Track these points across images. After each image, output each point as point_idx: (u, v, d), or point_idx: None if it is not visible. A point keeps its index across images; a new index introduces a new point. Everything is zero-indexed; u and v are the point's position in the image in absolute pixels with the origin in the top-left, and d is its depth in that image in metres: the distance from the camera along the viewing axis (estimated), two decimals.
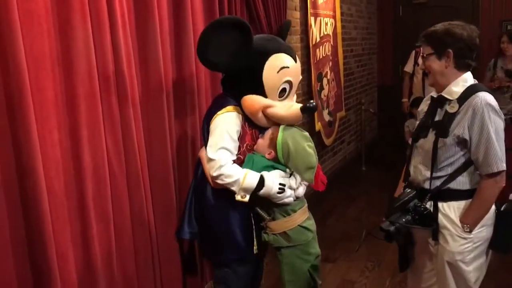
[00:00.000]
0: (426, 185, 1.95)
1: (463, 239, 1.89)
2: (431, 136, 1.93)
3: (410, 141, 4.34)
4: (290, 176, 2.01)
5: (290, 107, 1.98)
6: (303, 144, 1.96)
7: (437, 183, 1.92)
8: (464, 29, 1.87)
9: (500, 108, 4.46)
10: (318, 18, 4.26)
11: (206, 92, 2.56)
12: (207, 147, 1.94)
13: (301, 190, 2.06)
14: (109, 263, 1.95)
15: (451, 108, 1.87)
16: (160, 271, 2.26)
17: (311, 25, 4.10)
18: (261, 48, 1.96)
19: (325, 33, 4.46)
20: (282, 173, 1.99)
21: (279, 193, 1.94)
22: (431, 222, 1.91)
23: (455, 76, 1.89)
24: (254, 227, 2.06)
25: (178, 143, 2.37)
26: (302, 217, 2.07)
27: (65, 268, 1.71)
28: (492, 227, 1.93)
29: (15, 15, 1.46)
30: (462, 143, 1.86)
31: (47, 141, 1.64)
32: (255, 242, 2.06)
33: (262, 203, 2.02)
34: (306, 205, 2.12)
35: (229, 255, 2.05)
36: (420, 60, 4.79)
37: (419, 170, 1.98)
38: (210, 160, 1.91)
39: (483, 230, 1.90)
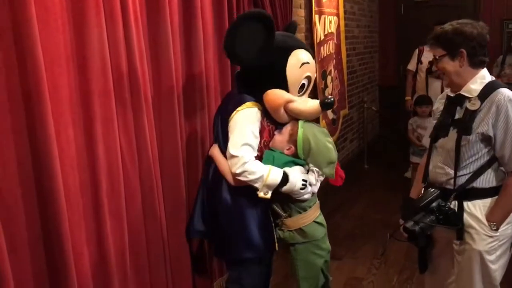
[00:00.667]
0: (450, 185, 1.93)
1: (489, 238, 1.88)
2: (453, 134, 1.92)
3: (414, 139, 4.38)
4: (307, 172, 2.02)
5: (309, 102, 2.01)
6: (323, 139, 1.98)
7: (461, 181, 1.91)
8: (474, 27, 1.86)
9: None
10: (323, 16, 4.26)
11: (215, 90, 2.56)
12: (229, 144, 1.92)
13: (317, 186, 2.07)
14: (123, 259, 1.94)
15: (472, 106, 1.86)
16: (171, 267, 2.26)
17: (315, 23, 4.11)
18: (282, 44, 1.98)
19: (329, 31, 4.47)
20: (302, 168, 2.00)
21: (301, 189, 1.95)
22: (456, 221, 1.89)
23: (471, 74, 1.88)
24: (272, 224, 2.06)
25: (188, 141, 2.37)
26: (316, 212, 2.10)
27: (81, 265, 1.71)
28: None
29: (32, 11, 1.46)
30: (486, 140, 1.85)
31: (62, 137, 1.63)
32: (276, 239, 2.06)
33: (278, 200, 2.02)
34: (318, 200, 2.14)
35: (246, 254, 2.03)
36: (423, 59, 4.83)
37: (442, 169, 1.96)
38: (233, 156, 1.89)
39: (509, 227, 1.90)
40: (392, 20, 6.66)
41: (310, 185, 2.01)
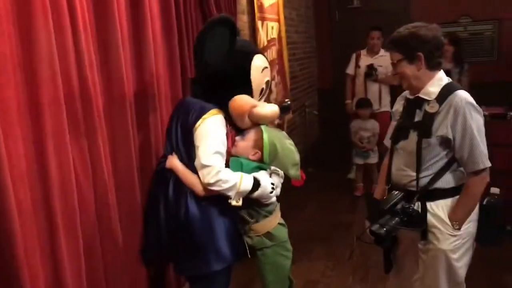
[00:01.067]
0: (412, 186, 1.96)
1: (453, 237, 1.93)
2: (413, 137, 1.94)
3: (356, 141, 4.50)
4: (270, 176, 2.02)
5: (268, 106, 2.02)
6: (286, 142, 2.01)
7: (423, 183, 1.94)
8: (429, 30, 1.91)
9: None
10: (265, 22, 4.29)
11: (166, 98, 2.49)
12: (200, 153, 1.86)
13: (279, 188, 2.08)
14: (79, 280, 1.81)
15: (431, 108, 1.90)
16: (129, 285, 2.15)
17: (258, 29, 4.12)
18: (244, 48, 2.00)
19: (272, 36, 4.50)
20: (267, 173, 1.98)
21: (270, 192, 1.94)
22: (420, 223, 1.93)
23: (429, 76, 1.93)
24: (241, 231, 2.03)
25: (141, 152, 2.27)
26: (279, 213, 2.11)
27: None
28: (477, 221, 1.99)
29: None
30: (446, 142, 1.90)
31: (11, 152, 1.50)
32: (247, 247, 2.03)
33: (244, 206, 1.99)
34: (278, 202, 2.15)
35: (215, 267, 1.96)
36: (361, 63, 4.98)
37: (404, 171, 2.00)
38: (204, 166, 1.84)
39: (470, 226, 1.96)
40: (327, 25, 6.84)
41: (276, 187, 2.01)
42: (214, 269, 1.96)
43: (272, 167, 2.06)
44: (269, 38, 4.41)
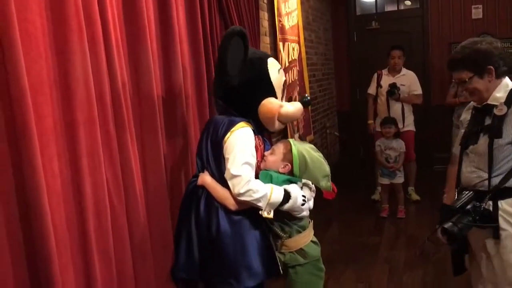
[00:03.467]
0: (483, 187, 2.01)
1: None
2: (484, 140, 2.01)
3: (383, 161, 4.44)
4: (301, 189, 2.00)
5: (292, 104, 2.08)
6: (315, 154, 2.01)
7: (495, 182, 1.98)
8: (488, 43, 2.02)
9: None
10: (286, 43, 4.31)
11: (194, 117, 2.49)
12: (229, 165, 1.86)
13: (312, 201, 2.06)
14: None
15: (499, 111, 1.98)
16: None
17: (280, 50, 4.14)
18: (256, 54, 2.08)
19: (293, 57, 4.52)
20: (298, 186, 1.96)
21: (302, 205, 1.92)
22: (492, 220, 1.96)
23: (496, 84, 2.02)
24: (273, 247, 1.99)
25: (172, 172, 2.26)
26: (312, 231, 2.08)
27: None
28: None
29: (16, 35, 1.34)
30: None
31: (47, 171, 1.49)
32: (279, 263, 1.98)
33: (276, 221, 1.97)
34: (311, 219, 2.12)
35: (248, 283, 1.92)
36: (382, 82, 4.95)
37: (475, 173, 2.04)
38: (234, 176, 1.84)
39: None
40: (345, 47, 6.86)
41: (308, 200, 1.99)
42: (246, 285, 1.93)
43: (303, 180, 2.04)
44: (290, 59, 4.42)
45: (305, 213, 1.99)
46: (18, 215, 1.41)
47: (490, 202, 1.99)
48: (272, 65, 2.05)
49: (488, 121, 2.02)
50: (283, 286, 2.12)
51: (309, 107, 5.00)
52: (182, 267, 2.05)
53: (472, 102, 2.14)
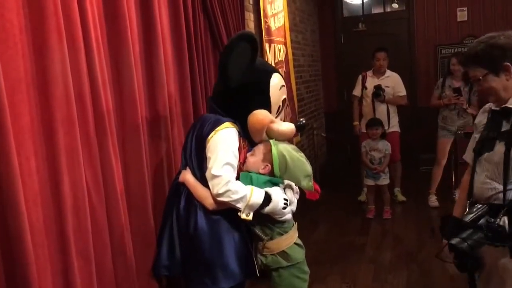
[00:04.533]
0: (498, 200, 1.81)
1: None
2: (500, 147, 1.82)
3: (367, 162, 4.45)
4: (284, 190, 1.99)
5: (285, 124, 2.05)
6: (296, 154, 1.99)
7: (511, 196, 1.79)
8: (507, 37, 1.81)
9: (450, 124, 4.64)
10: (272, 45, 4.32)
11: (177, 117, 2.48)
12: (210, 164, 1.86)
13: (295, 204, 2.04)
14: None
15: None
16: None
17: (266, 52, 4.14)
18: (264, 67, 2.07)
19: (279, 59, 4.52)
20: (280, 188, 1.95)
21: (283, 208, 1.91)
22: (507, 239, 1.73)
23: None
24: (251, 248, 1.99)
25: (154, 172, 2.25)
26: (296, 234, 2.06)
27: None
28: None
29: None
30: None
31: (24, 170, 1.47)
32: (256, 265, 1.98)
33: (258, 223, 1.96)
34: (295, 222, 2.10)
35: (223, 284, 1.93)
36: (367, 84, 4.97)
37: (489, 184, 1.85)
38: (214, 177, 1.83)
39: None
40: (332, 49, 6.89)
41: (290, 203, 1.98)
42: (221, 286, 1.93)
43: (286, 182, 2.03)
44: (276, 61, 4.43)
45: (287, 216, 1.98)
46: None
47: (505, 218, 1.76)
48: (276, 80, 2.02)
49: (506, 126, 1.82)
50: None
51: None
52: (164, 264, 2.05)
53: (488, 104, 1.96)
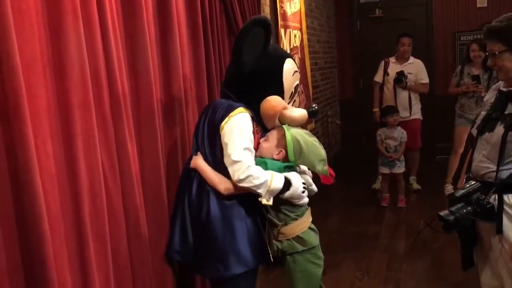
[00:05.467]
0: (490, 178, 1.90)
1: None
2: (499, 129, 1.88)
3: (383, 150, 4.42)
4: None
5: (298, 110, 2.02)
6: (310, 138, 1.98)
7: (503, 176, 1.87)
8: None
9: (467, 112, 4.56)
10: (288, 30, 4.26)
11: (192, 101, 2.46)
12: (229, 150, 1.84)
13: (315, 187, 2.05)
14: (107, 284, 1.76)
15: None
16: None
17: (281, 37, 4.09)
18: (276, 52, 2.04)
19: (294, 45, 4.47)
20: (297, 173, 1.94)
21: (303, 192, 1.90)
22: (493, 216, 1.86)
23: None
24: (264, 234, 1.98)
25: (168, 155, 2.24)
26: (310, 218, 2.05)
27: None
28: None
29: (8, 13, 1.31)
30: None
31: (41, 153, 1.47)
32: (269, 250, 1.98)
33: (272, 209, 1.95)
34: (309, 206, 2.09)
35: (236, 269, 1.92)
36: (390, 70, 4.89)
37: (484, 163, 1.94)
38: (235, 162, 1.81)
39: None
40: (348, 35, 6.80)
41: (309, 186, 1.99)
42: (233, 272, 1.92)
43: (301, 167, 2.02)
44: (291, 47, 4.38)
45: (305, 200, 1.97)
46: (11, 197, 1.38)
47: (495, 196, 1.89)
48: (289, 66, 1.99)
49: (509, 109, 1.88)
50: (282, 274, 2.11)
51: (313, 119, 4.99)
52: (177, 250, 2.05)
53: (498, 83, 2.00)
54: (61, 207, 1.57)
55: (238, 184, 1.83)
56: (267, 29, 1.93)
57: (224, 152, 1.88)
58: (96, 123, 1.71)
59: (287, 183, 1.87)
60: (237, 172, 1.81)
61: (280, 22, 4.06)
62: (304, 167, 2.05)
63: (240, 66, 1.93)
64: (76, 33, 1.60)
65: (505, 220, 1.88)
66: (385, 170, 4.64)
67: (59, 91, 1.58)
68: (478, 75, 4.37)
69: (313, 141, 1.98)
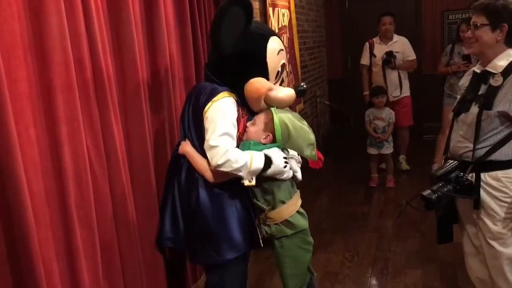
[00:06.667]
0: (468, 157, 1.99)
1: (507, 204, 1.93)
2: (474, 109, 1.98)
3: (371, 130, 4.41)
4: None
5: (284, 89, 1.95)
6: (299, 122, 1.93)
7: (479, 154, 1.96)
8: None
9: (457, 92, 4.56)
10: (276, 9, 4.18)
11: (180, 83, 2.41)
12: (208, 135, 1.81)
13: (299, 172, 2.03)
14: (95, 274, 1.74)
15: (495, 82, 1.93)
16: (146, 279, 2.07)
17: (269, 16, 4.02)
18: (259, 30, 1.93)
19: (283, 24, 4.39)
20: (277, 148, 1.92)
21: (284, 167, 1.88)
22: (472, 192, 1.96)
23: (502, 50, 1.96)
24: (254, 219, 1.96)
25: (156, 140, 2.19)
26: (298, 202, 2.03)
27: (52, 285, 1.49)
28: None
29: None
30: (506, 116, 1.91)
31: (23, 139, 1.42)
32: (262, 235, 1.96)
33: (258, 193, 1.94)
34: (298, 190, 2.07)
35: (228, 255, 1.90)
36: (376, 52, 4.85)
37: (461, 143, 2.03)
38: (212, 147, 1.78)
39: None
40: (337, 14, 6.72)
41: (295, 172, 1.98)
42: (226, 257, 1.91)
43: (290, 152, 1.99)
44: (280, 26, 4.30)
45: (287, 174, 1.92)
46: None
47: (473, 173, 1.98)
48: (273, 45, 1.91)
49: (483, 90, 1.98)
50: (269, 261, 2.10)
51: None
52: (168, 237, 2.02)
53: (472, 67, 2.11)
54: (46, 195, 1.53)
55: (217, 169, 1.79)
56: (248, 8, 1.84)
57: (205, 137, 1.84)
58: (80, 107, 1.66)
59: (268, 161, 1.83)
60: (214, 157, 1.77)
61: (268, 1, 3.97)
62: (292, 152, 2.02)
63: (219, 48, 1.86)
64: (57, 14, 1.53)
65: (482, 195, 1.98)
66: (372, 150, 4.63)
67: (41, 75, 1.52)
68: (468, 54, 4.35)
69: (302, 125, 1.94)
